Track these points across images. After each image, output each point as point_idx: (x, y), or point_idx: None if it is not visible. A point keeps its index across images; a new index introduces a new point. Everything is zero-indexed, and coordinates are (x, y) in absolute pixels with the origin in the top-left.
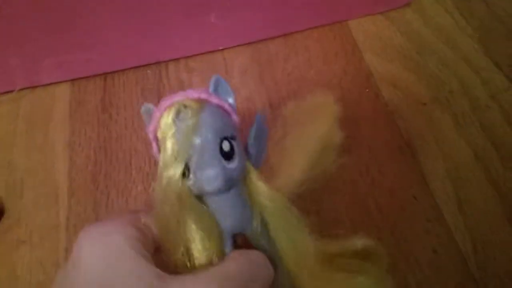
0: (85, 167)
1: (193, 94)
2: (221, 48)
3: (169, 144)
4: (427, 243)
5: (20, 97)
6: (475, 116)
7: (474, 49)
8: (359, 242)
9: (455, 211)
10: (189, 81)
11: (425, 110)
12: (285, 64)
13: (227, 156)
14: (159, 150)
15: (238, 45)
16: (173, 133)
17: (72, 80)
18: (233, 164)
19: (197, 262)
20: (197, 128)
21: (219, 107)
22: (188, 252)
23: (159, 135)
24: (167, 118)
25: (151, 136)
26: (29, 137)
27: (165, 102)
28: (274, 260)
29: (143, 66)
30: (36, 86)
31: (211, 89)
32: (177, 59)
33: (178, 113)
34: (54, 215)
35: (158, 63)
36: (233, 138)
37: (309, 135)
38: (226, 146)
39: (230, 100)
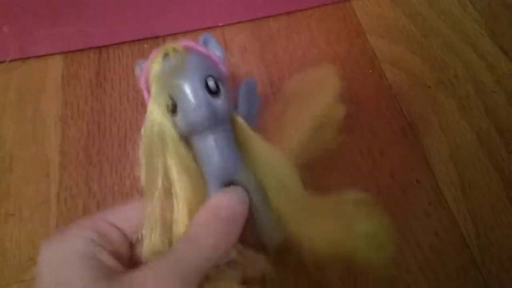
0: (77, 140)
1: (182, 42)
2: (220, 24)
3: (155, 83)
4: (429, 226)
5: (12, 68)
6: (479, 100)
7: (480, 33)
8: (352, 194)
9: (457, 194)
10: None
11: (429, 93)
12: (287, 43)
13: (212, 92)
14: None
15: (239, 22)
16: (159, 72)
17: (66, 52)
18: (218, 101)
19: (176, 208)
20: (182, 67)
21: (207, 56)
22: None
23: (149, 81)
24: (155, 61)
25: (142, 86)
26: (20, 109)
27: (154, 50)
28: (262, 207)
29: (140, 40)
30: (28, 58)
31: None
32: (174, 34)
33: (165, 55)
34: (44, 189)
35: (155, 37)
36: (219, 80)
37: (310, 110)
38: (211, 83)
39: (218, 54)
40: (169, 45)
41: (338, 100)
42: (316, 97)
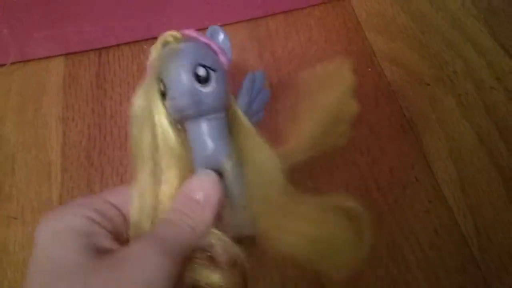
0: (79, 143)
1: (185, 31)
2: (219, 24)
3: (152, 66)
4: (428, 224)
5: (13, 71)
6: (479, 97)
7: (480, 30)
8: (339, 199)
9: (457, 192)
10: None
11: (428, 90)
12: (286, 42)
13: (201, 80)
14: None
15: (237, 21)
16: (156, 56)
17: (66, 54)
18: (206, 89)
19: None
20: (176, 53)
21: (206, 45)
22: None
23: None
24: (155, 45)
25: (148, 69)
26: (22, 112)
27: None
28: (241, 199)
29: (139, 41)
30: (29, 60)
31: (206, 35)
32: None
33: (165, 41)
34: (46, 191)
35: (155, 38)
36: (212, 69)
37: (322, 104)
38: (201, 71)
39: (223, 44)
40: (171, 32)
41: (351, 94)
42: (329, 91)
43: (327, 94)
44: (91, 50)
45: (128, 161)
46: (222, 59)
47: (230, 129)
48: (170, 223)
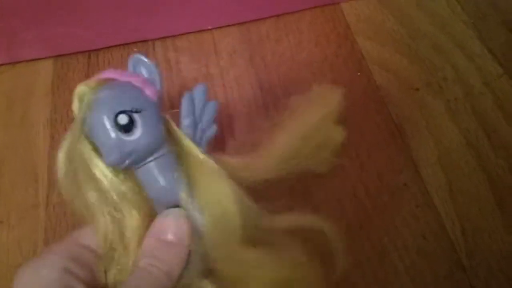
0: None
1: (100, 75)
2: (210, 27)
3: (74, 124)
4: (416, 229)
5: (1, 72)
6: (467, 103)
7: (469, 35)
8: (311, 219)
9: (445, 197)
10: (176, 60)
11: (417, 95)
12: (276, 46)
13: (125, 128)
14: None
15: (228, 25)
16: (77, 114)
17: (55, 56)
18: (134, 136)
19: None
20: (92, 106)
21: (126, 83)
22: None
23: None
24: (73, 102)
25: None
26: (9, 113)
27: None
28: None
29: (129, 44)
30: (17, 62)
31: (129, 69)
32: (164, 38)
33: (81, 94)
34: (33, 194)
35: (144, 41)
36: (137, 111)
37: (302, 123)
38: (122, 119)
39: (148, 73)
40: (84, 83)
41: (337, 122)
42: (313, 113)
43: (309, 115)
44: (80, 52)
45: None
46: (149, 92)
47: (180, 158)
48: (142, 271)
